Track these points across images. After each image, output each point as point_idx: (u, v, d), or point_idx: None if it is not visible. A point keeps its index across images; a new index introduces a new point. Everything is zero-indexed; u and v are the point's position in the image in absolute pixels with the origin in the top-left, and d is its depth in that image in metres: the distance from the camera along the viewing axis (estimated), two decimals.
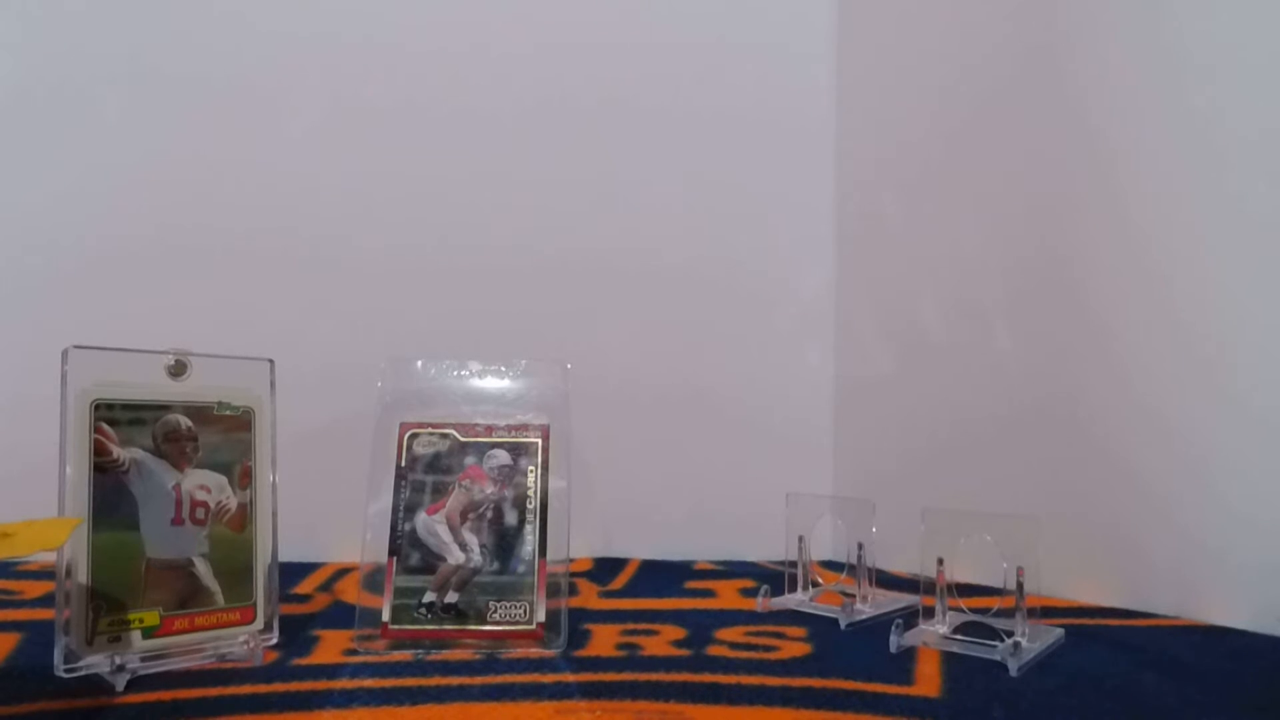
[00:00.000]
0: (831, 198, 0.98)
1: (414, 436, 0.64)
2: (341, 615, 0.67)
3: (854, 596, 0.70)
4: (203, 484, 0.57)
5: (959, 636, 0.61)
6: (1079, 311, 0.76)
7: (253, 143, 0.91)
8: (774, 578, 0.76)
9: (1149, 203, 0.71)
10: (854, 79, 0.97)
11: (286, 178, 0.92)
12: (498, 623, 0.60)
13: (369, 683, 0.52)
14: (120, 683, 0.50)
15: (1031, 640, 0.58)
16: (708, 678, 0.53)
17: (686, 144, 0.96)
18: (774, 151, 0.98)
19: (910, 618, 0.65)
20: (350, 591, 0.73)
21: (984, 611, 0.62)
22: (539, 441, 0.64)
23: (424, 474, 0.63)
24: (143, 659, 0.53)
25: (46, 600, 0.70)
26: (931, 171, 0.90)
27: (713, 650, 0.59)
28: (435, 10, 0.93)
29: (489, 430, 0.65)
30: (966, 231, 0.86)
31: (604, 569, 0.87)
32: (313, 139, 0.92)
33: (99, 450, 0.53)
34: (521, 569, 0.61)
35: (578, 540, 0.85)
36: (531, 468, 0.64)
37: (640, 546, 0.93)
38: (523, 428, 0.65)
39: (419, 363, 0.67)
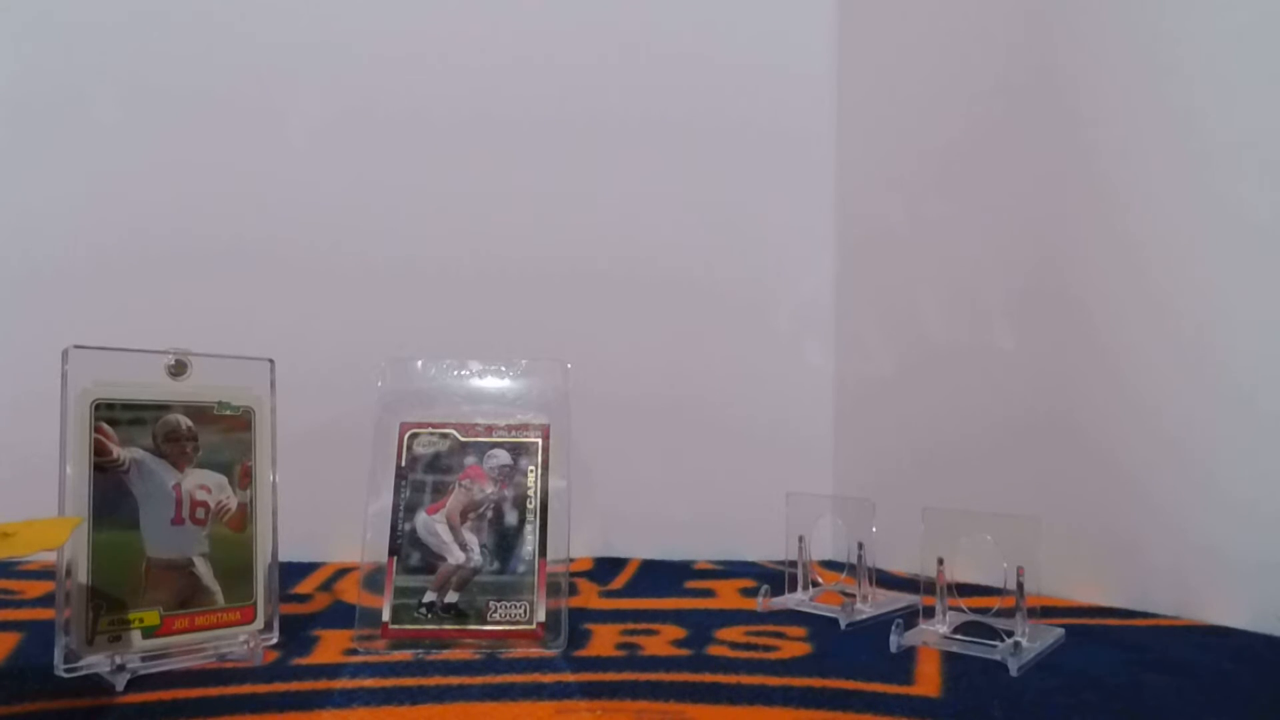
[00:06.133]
0: (832, 203, 0.98)
1: (414, 436, 0.64)
2: (341, 615, 0.67)
3: (854, 596, 0.70)
4: (203, 484, 0.57)
5: (959, 636, 0.61)
6: (1078, 314, 0.76)
7: (253, 147, 0.91)
8: (774, 577, 0.76)
9: (1145, 209, 0.71)
10: (855, 85, 0.97)
11: (288, 182, 0.92)
12: (498, 622, 0.60)
13: (369, 683, 0.52)
14: (120, 682, 0.50)
15: (1031, 640, 0.58)
16: (708, 677, 0.53)
17: (689, 152, 0.96)
18: (776, 157, 0.97)
19: (910, 618, 0.65)
20: (350, 591, 0.73)
21: (984, 611, 0.62)
22: (539, 441, 0.64)
23: (424, 474, 0.63)
24: (143, 659, 0.53)
25: (46, 600, 0.70)
26: (932, 177, 0.90)
27: (713, 650, 0.59)
28: (439, 20, 0.93)
29: (489, 430, 0.65)
30: (966, 236, 0.86)
31: (604, 569, 0.87)
32: (314, 144, 0.92)
33: (99, 450, 0.53)
34: (521, 569, 0.61)
35: (578, 540, 0.85)
36: (531, 467, 0.64)
37: (640, 546, 0.93)
38: (523, 427, 0.65)
39: (419, 363, 0.67)
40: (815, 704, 0.49)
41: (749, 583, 0.81)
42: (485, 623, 0.60)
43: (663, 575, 0.85)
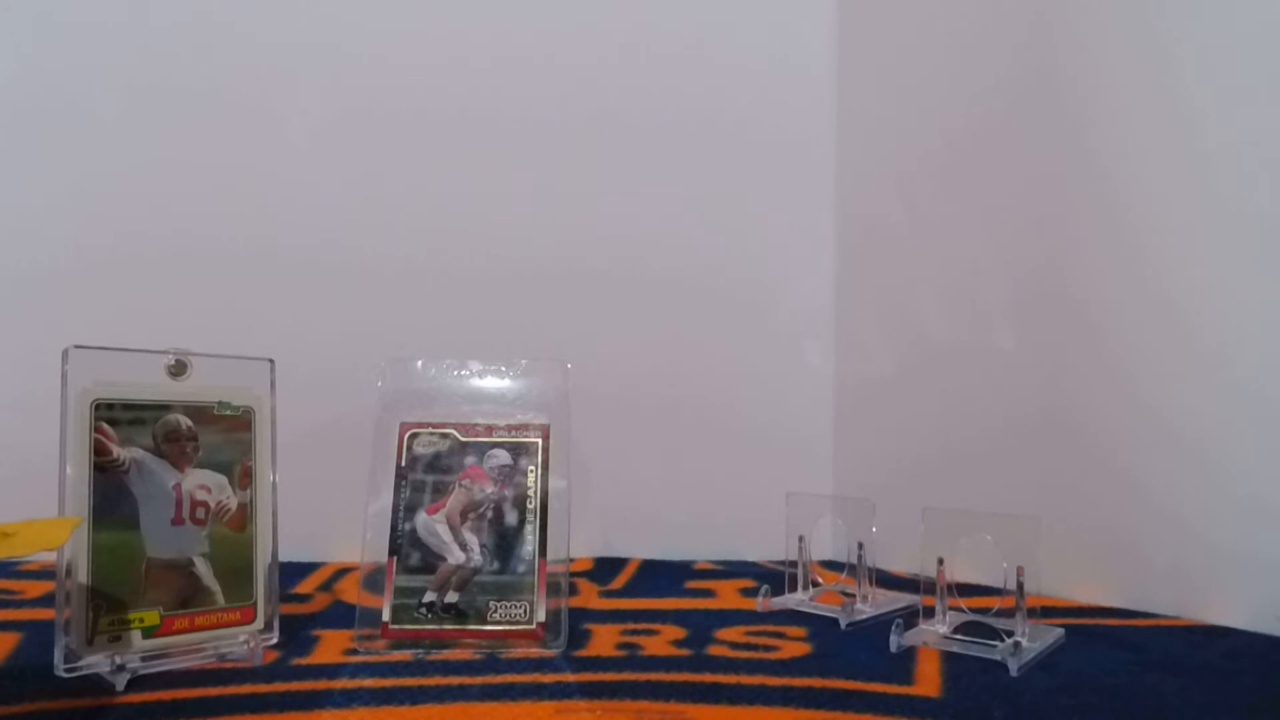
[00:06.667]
0: (832, 203, 0.98)
1: (414, 436, 0.64)
2: (341, 615, 0.67)
3: (854, 596, 0.70)
4: (203, 484, 0.57)
5: (959, 636, 0.61)
6: (1078, 314, 0.76)
7: (253, 147, 0.91)
8: (774, 577, 0.76)
9: (1145, 208, 0.71)
10: (855, 85, 0.97)
11: (288, 182, 0.92)
12: (498, 622, 0.60)
13: (369, 683, 0.52)
14: (120, 682, 0.50)
15: (1031, 640, 0.58)
16: (708, 677, 0.53)
17: (688, 152, 0.96)
18: (776, 157, 0.97)
19: (910, 618, 0.65)
20: (350, 591, 0.73)
21: (984, 611, 0.62)
22: (539, 441, 0.64)
23: (424, 474, 0.63)
24: (143, 659, 0.53)
25: (46, 600, 0.70)
26: (932, 177, 0.90)
27: (713, 650, 0.59)
28: (439, 21, 0.93)
29: (489, 430, 0.65)
30: (966, 236, 0.86)
31: (604, 569, 0.87)
32: (314, 144, 0.92)
33: (99, 450, 0.53)
34: (521, 569, 0.61)
35: (578, 540, 0.85)
36: (531, 467, 0.64)
37: (640, 546, 0.93)
38: (523, 427, 0.65)
39: (419, 363, 0.67)
40: (815, 704, 0.49)
41: (749, 583, 0.81)
42: (485, 623, 0.60)
43: (663, 575, 0.85)
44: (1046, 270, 0.78)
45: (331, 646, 0.59)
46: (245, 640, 0.57)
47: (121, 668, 0.51)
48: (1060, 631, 0.62)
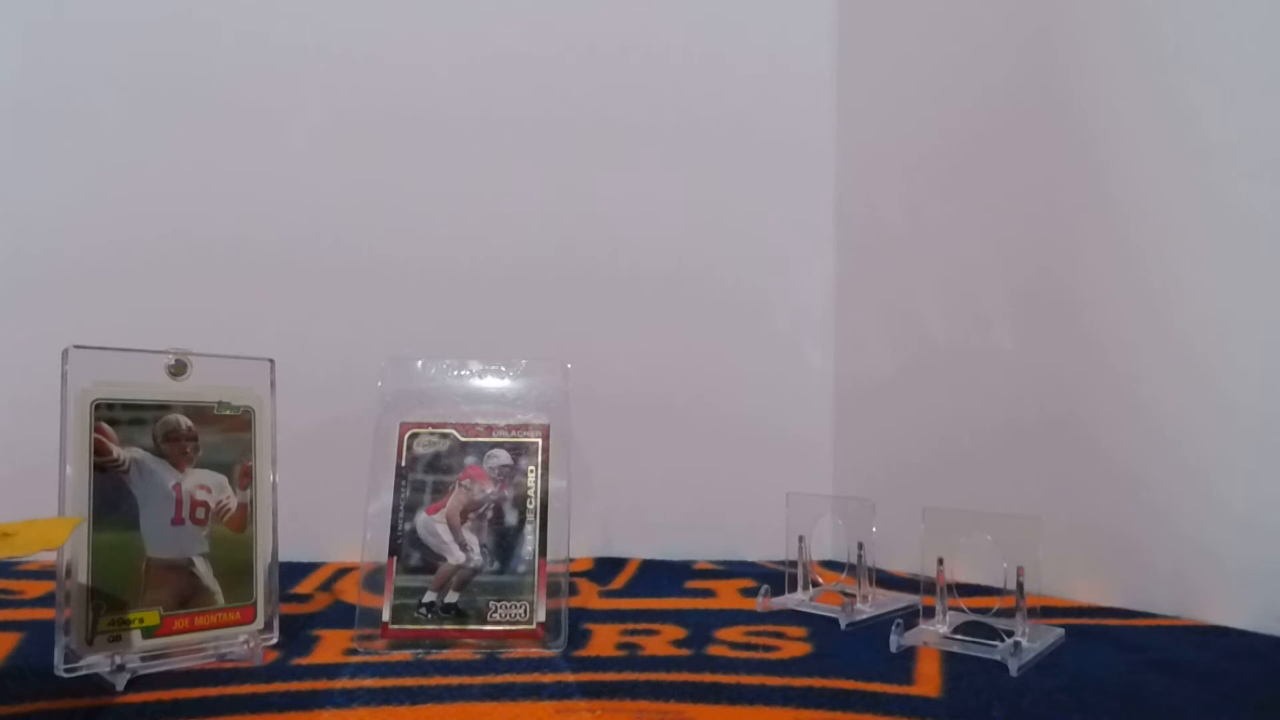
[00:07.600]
0: (832, 203, 0.98)
1: (414, 436, 0.64)
2: (341, 615, 0.67)
3: (854, 596, 0.70)
4: (203, 484, 0.57)
5: (959, 636, 0.61)
6: (1077, 315, 0.76)
7: (253, 148, 0.91)
8: (774, 577, 0.76)
9: (1145, 209, 0.71)
10: (855, 85, 0.97)
11: (288, 182, 0.92)
12: (498, 622, 0.60)
13: (369, 682, 0.52)
14: (120, 682, 0.50)
15: (1031, 640, 0.58)
16: (708, 678, 0.53)
17: (689, 153, 0.96)
18: (776, 158, 0.97)
19: (910, 618, 0.65)
20: (350, 591, 0.73)
21: (984, 611, 0.62)
22: (539, 441, 0.64)
23: (424, 474, 0.63)
24: (143, 659, 0.53)
25: (46, 600, 0.70)
26: (932, 178, 0.90)
27: (713, 650, 0.59)
28: (439, 21, 0.93)
29: (489, 430, 0.65)
30: (966, 237, 0.86)
31: (604, 569, 0.87)
32: (314, 144, 0.92)
33: (99, 450, 0.53)
34: (522, 569, 0.61)
35: (578, 540, 0.85)
36: (531, 467, 0.64)
37: (640, 546, 0.93)
38: (523, 427, 0.65)
39: (419, 363, 0.67)
40: (815, 704, 0.49)
41: (749, 583, 0.81)
42: (485, 623, 0.60)
43: (663, 575, 0.85)
44: (1046, 271, 0.78)
45: (331, 646, 0.59)
46: (245, 640, 0.57)
47: (121, 668, 0.51)
48: (1060, 631, 0.62)
